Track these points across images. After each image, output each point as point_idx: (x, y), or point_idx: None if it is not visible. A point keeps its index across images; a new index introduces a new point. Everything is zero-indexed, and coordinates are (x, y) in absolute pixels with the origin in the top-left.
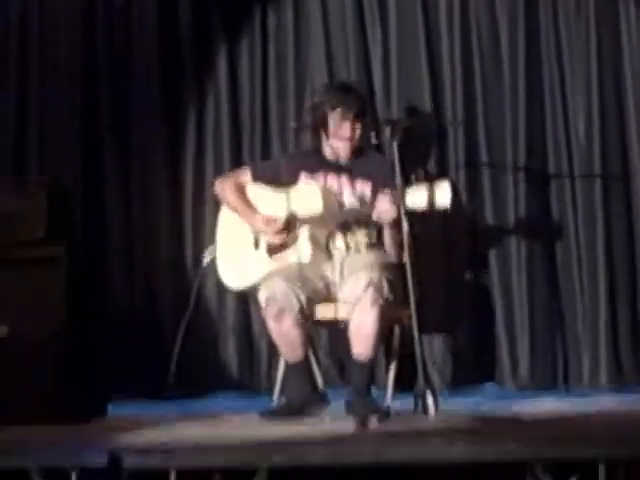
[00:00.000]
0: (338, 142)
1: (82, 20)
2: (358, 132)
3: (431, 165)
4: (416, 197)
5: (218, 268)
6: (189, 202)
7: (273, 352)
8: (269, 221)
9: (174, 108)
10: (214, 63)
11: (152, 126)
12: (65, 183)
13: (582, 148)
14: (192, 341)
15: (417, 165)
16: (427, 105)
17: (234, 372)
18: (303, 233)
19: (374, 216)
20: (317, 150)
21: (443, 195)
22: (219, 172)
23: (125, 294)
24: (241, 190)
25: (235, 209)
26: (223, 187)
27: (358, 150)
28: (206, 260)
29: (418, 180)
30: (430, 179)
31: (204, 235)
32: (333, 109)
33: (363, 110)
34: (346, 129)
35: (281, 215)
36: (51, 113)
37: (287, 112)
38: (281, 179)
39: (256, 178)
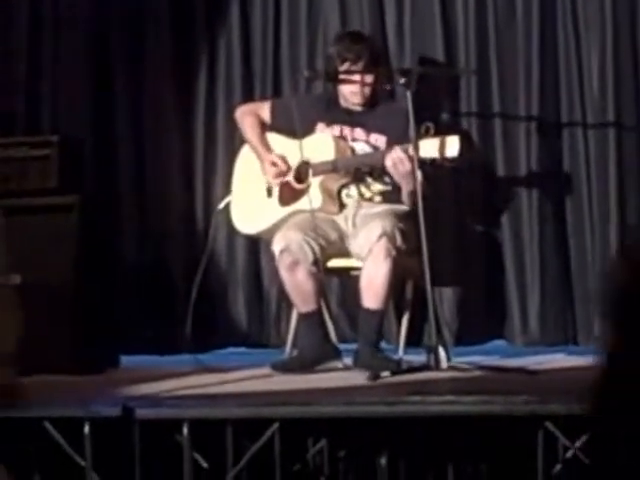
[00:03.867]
0: (350, 92)
1: None
2: (370, 82)
3: (444, 115)
4: (428, 146)
5: (231, 211)
6: (201, 150)
7: (282, 306)
8: (278, 161)
9: (186, 55)
10: (226, 8)
11: (163, 74)
12: (77, 134)
13: (595, 98)
14: (202, 294)
15: (430, 114)
16: (440, 54)
17: (243, 326)
18: (315, 181)
19: (387, 165)
20: (332, 100)
21: (453, 146)
22: (230, 120)
23: (137, 244)
24: (259, 123)
25: (249, 141)
26: (243, 117)
27: (373, 100)
28: (221, 204)
29: (428, 132)
30: (440, 132)
31: (216, 184)
32: (343, 60)
33: (375, 60)
34: (356, 79)
35: (294, 163)
36: (63, 64)
37: (299, 59)
38: (294, 122)
39: (273, 118)
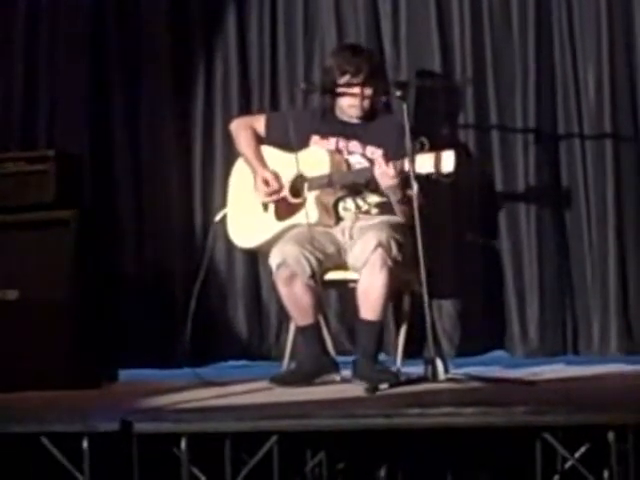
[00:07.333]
0: (349, 105)
1: None
2: (368, 95)
3: (441, 127)
4: (423, 161)
5: (227, 225)
6: (199, 162)
7: (282, 318)
8: (270, 180)
9: (183, 67)
10: (223, 20)
11: (161, 86)
12: (73, 147)
13: (592, 109)
14: (201, 307)
15: (427, 126)
16: (436, 66)
17: (243, 339)
18: (310, 196)
19: (376, 174)
20: (328, 112)
21: (448, 161)
22: (228, 132)
23: (135, 258)
24: (254, 136)
25: (244, 154)
26: (238, 130)
27: (370, 113)
28: (218, 216)
29: (423, 148)
30: (436, 147)
31: (213, 197)
32: (342, 73)
33: (374, 73)
34: (356, 92)
35: (289, 177)
36: (59, 78)
37: (296, 71)
38: (290, 137)
39: (268, 131)
